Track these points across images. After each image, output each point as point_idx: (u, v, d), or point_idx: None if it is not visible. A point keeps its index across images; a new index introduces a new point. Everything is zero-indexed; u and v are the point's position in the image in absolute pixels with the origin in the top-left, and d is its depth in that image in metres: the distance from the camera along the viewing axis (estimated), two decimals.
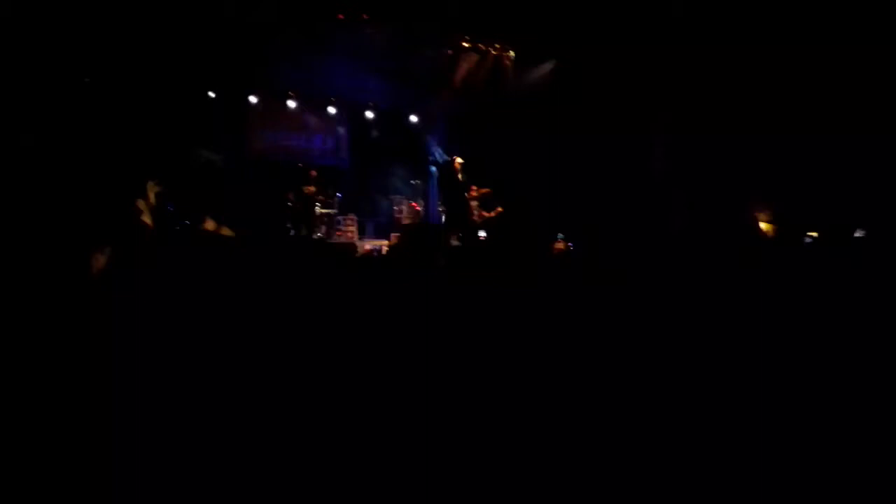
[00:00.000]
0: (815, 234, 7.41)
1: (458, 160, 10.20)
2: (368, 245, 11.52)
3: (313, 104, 12.77)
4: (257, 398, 2.13)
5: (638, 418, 2.31)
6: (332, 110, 13.01)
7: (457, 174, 10.04)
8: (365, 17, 11.07)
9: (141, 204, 3.92)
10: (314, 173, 11.33)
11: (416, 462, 2.03)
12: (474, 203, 10.22)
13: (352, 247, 9.71)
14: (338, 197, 12.09)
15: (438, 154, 12.85)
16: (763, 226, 8.45)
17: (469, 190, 10.17)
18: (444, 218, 10.49)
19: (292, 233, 10.70)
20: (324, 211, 11.57)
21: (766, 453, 2.15)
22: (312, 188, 11.19)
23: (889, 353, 2.78)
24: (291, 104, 12.49)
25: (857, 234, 6.96)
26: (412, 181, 13.31)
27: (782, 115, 9.41)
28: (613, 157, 11.50)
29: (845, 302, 3.50)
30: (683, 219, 10.41)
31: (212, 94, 11.45)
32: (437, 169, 12.64)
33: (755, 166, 9.73)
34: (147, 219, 4.08)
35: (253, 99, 12.06)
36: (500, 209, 10.33)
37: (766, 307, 3.61)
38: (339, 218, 11.95)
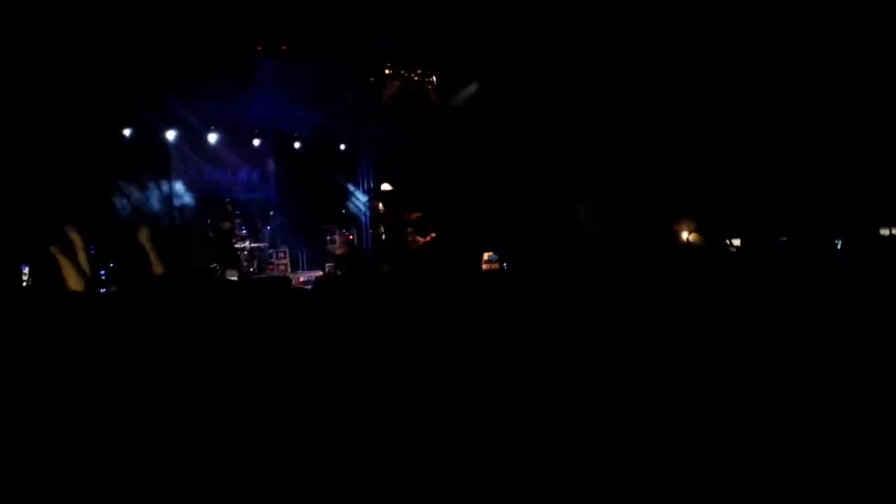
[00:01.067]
0: (737, 241, 7.77)
1: (387, 187, 10.20)
2: (302, 277, 11.34)
3: (236, 136, 12.51)
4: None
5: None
6: (256, 142, 12.78)
7: (381, 204, 10.03)
8: (283, 47, 10.99)
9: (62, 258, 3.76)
10: (229, 207, 11.04)
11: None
12: (409, 228, 10.20)
13: (285, 280, 9.53)
14: (266, 230, 11.86)
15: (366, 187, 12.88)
16: (689, 236, 8.79)
17: (402, 216, 10.16)
18: (374, 246, 10.43)
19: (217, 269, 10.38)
20: (254, 245, 11.32)
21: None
22: (228, 223, 10.91)
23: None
24: (213, 137, 12.18)
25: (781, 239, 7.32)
26: (343, 210, 13.21)
27: (709, 127, 9.81)
28: (542, 172, 11.73)
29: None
30: (609, 229, 10.68)
31: (127, 132, 10.96)
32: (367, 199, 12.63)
33: (680, 177, 10.09)
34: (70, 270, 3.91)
35: (172, 134, 11.66)
36: (433, 234, 10.33)
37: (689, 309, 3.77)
38: (270, 251, 11.72)
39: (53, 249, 3.91)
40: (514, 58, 10.42)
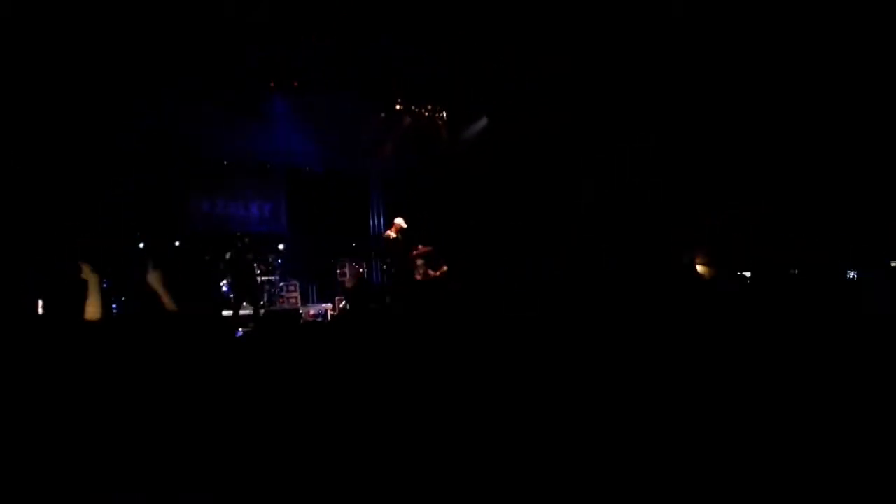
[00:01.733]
0: (748, 273, 7.75)
1: (400, 221, 10.23)
2: (313, 310, 11.36)
3: (249, 170, 12.66)
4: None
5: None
6: (268, 176, 12.93)
7: (393, 238, 10.05)
8: (295, 84, 11.15)
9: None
10: (247, 240, 11.09)
11: None
12: (419, 262, 10.20)
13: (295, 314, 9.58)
14: (278, 263, 11.91)
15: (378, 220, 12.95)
16: (700, 268, 8.75)
17: (413, 249, 10.17)
18: (387, 281, 10.43)
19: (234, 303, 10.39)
20: (265, 278, 11.36)
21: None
22: (250, 255, 10.95)
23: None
24: (226, 171, 12.31)
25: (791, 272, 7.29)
26: (353, 243, 13.28)
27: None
28: (547, 205, 11.75)
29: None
30: (617, 261, 10.62)
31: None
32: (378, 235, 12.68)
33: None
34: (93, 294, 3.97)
35: (187, 168, 11.78)
36: (444, 267, 10.33)
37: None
38: (281, 284, 11.76)
39: (85, 273, 3.95)
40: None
